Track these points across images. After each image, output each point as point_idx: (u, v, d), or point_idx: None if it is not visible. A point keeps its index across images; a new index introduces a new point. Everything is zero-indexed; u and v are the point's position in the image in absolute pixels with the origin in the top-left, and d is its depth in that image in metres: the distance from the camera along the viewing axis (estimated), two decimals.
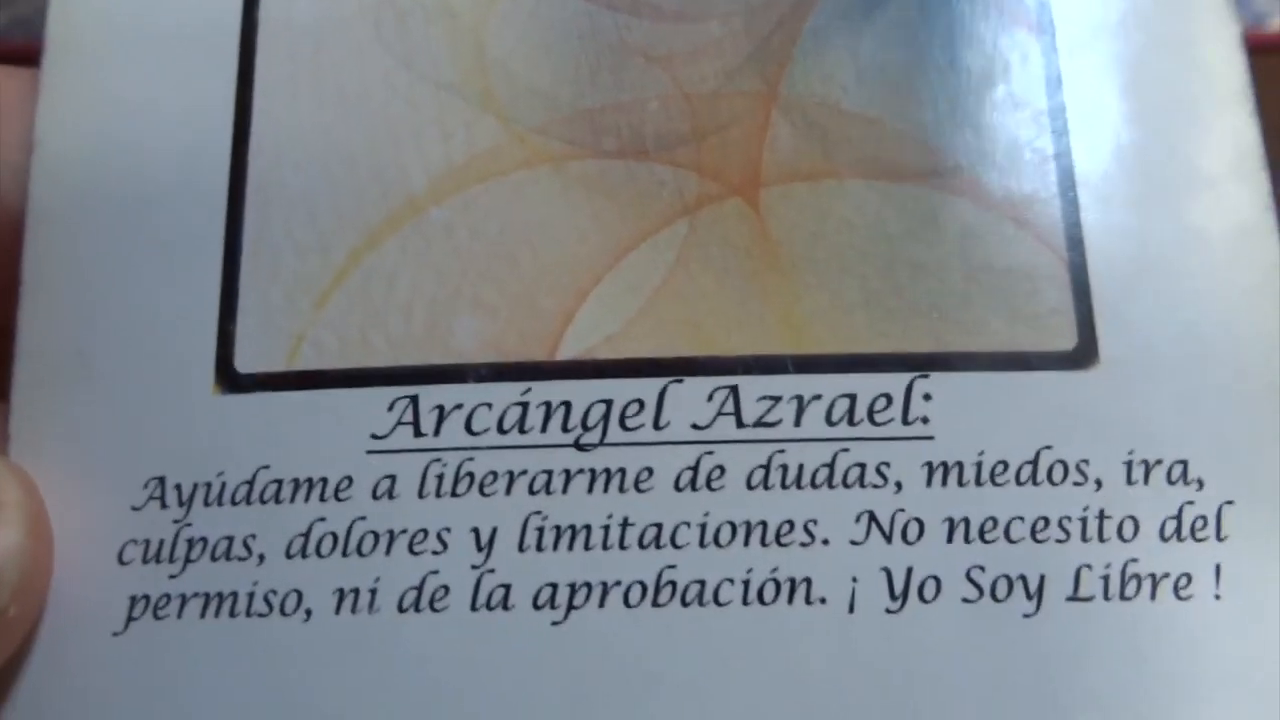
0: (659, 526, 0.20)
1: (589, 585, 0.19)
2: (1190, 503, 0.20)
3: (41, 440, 0.21)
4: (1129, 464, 0.20)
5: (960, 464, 0.20)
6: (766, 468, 0.20)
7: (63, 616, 0.20)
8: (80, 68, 0.22)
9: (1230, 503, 0.20)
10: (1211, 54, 0.21)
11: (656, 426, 0.20)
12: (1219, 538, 0.19)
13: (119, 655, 0.20)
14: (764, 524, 0.19)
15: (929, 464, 0.20)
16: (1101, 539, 0.19)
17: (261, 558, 0.20)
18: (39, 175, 0.22)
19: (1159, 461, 0.20)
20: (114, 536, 0.20)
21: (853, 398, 0.20)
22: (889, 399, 0.20)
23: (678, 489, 0.20)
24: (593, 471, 0.20)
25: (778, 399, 0.20)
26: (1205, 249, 0.21)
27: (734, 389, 0.20)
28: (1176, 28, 0.22)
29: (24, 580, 0.19)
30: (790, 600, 0.19)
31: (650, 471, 0.20)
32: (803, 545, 0.19)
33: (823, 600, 0.19)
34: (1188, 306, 0.20)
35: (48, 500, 0.20)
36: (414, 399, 0.20)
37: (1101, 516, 0.19)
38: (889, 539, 0.19)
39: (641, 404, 0.20)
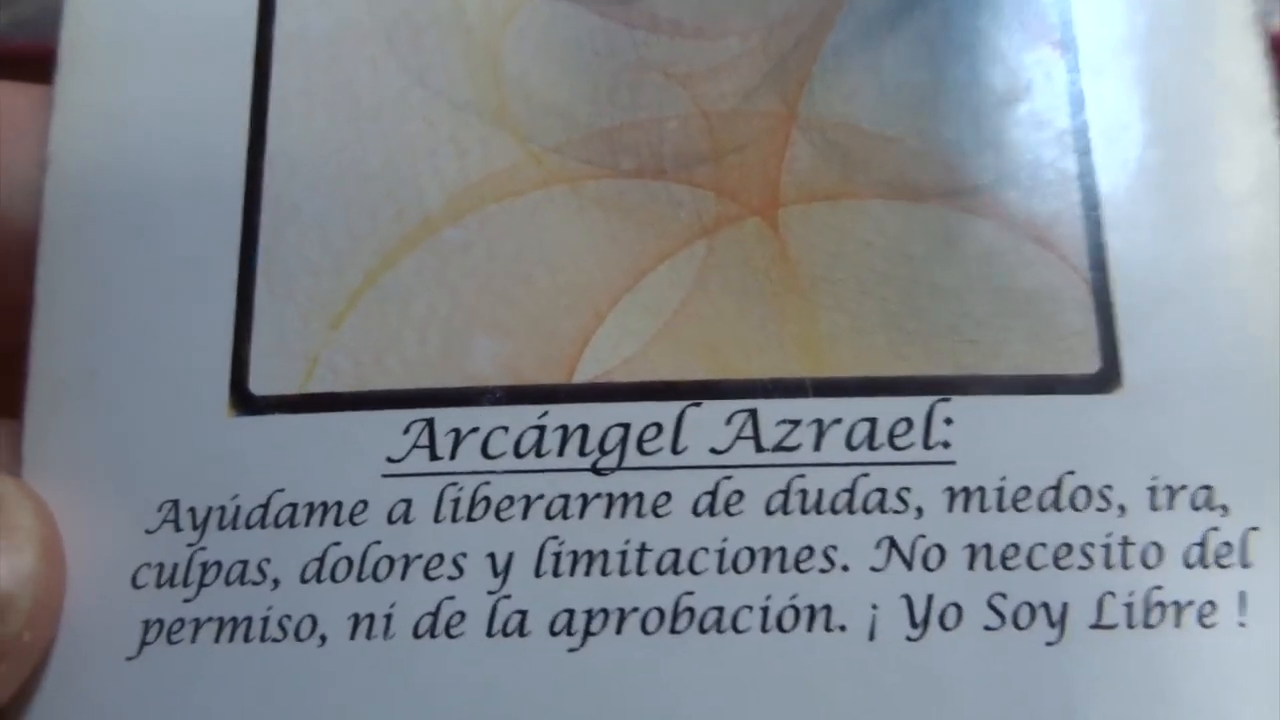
0: (677, 552, 0.19)
1: (606, 611, 0.19)
2: (1215, 529, 0.19)
3: (54, 462, 0.21)
4: (1153, 489, 0.19)
5: (982, 489, 0.19)
6: (786, 493, 0.19)
7: (76, 641, 0.20)
8: (93, 84, 0.22)
9: (1255, 529, 0.19)
10: (1236, 71, 0.21)
11: (674, 450, 0.20)
12: (1244, 565, 0.19)
13: (133, 680, 0.20)
14: (783, 550, 0.19)
15: (950, 489, 0.19)
16: (1125, 566, 0.19)
17: (276, 582, 0.20)
18: (52, 194, 0.22)
19: (1183, 487, 0.19)
20: (128, 560, 0.20)
21: (873, 422, 0.20)
22: (910, 423, 0.20)
23: (696, 514, 0.19)
24: (610, 496, 0.20)
25: (797, 423, 0.20)
26: (1231, 270, 0.20)
27: (753, 412, 0.20)
28: (1200, 45, 0.21)
29: (37, 605, 0.19)
30: (810, 627, 0.19)
31: (668, 496, 0.20)
32: (822, 571, 0.19)
33: (842, 628, 0.19)
34: (1213, 329, 0.20)
35: (61, 523, 0.20)
36: (430, 422, 0.20)
37: (1125, 543, 0.19)
38: (910, 565, 0.19)
39: (659, 427, 0.20)
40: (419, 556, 0.20)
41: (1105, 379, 0.20)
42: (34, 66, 0.23)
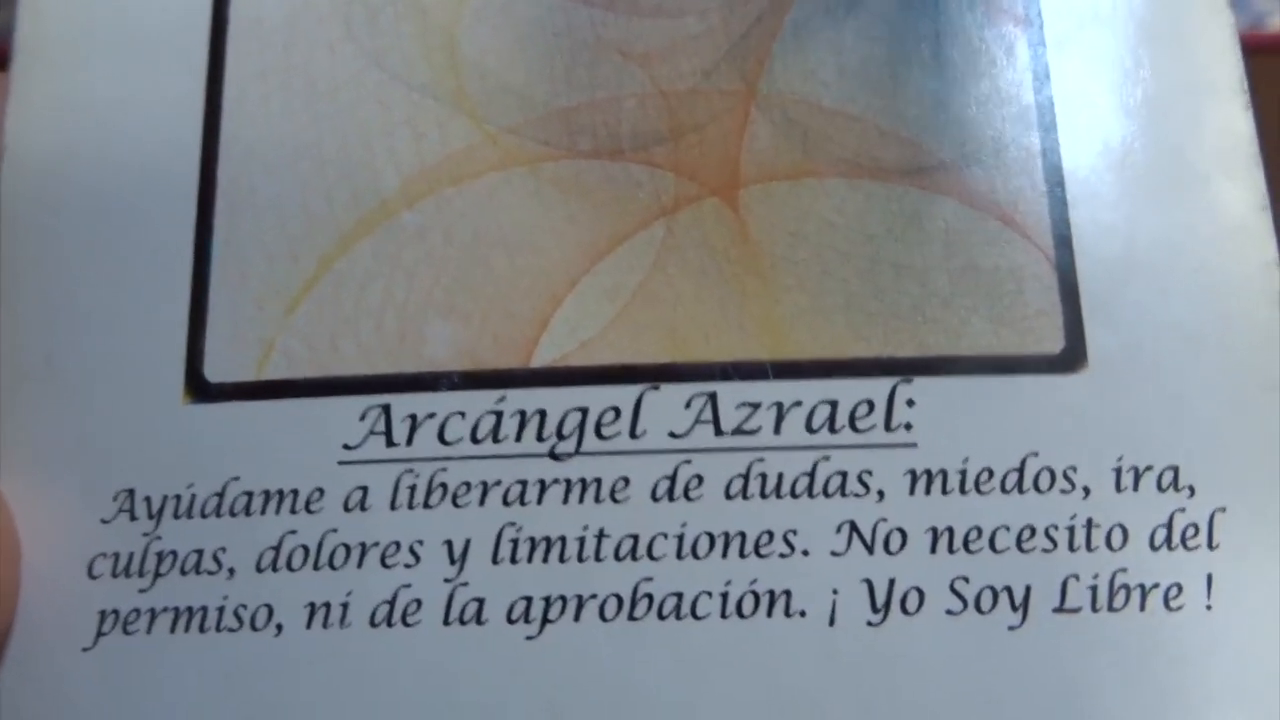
0: (635, 538, 0.19)
1: (564, 598, 0.19)
2: (1181, 510, 0.19)
3: (8, 452, 0.20)
4: (1118, 470, 0.19)
5: (944, 472, 0.19)
6: (745, 477, 0.19)
7: (32, 631, 0.20)
8: (49, 71, 0.22)
9: (1222, 510, 0.19)
10: (1205, 45, 0.21)
11: (633, 435, 0.20)
12: (1210, 546, 0.19)
13: (89, 670, 0.19)
14: (743, 535, 0.19)
15: (912, 472, 0.19)
16: (1089, 548, 0.19)
17: (232, 571, 0.19)
18: (7, 181, 0.22)
19: (1149, 468, 0.19)
20: (83, 550, 0.20)
21: (834, 404, 0.19)
22: (871, 405, 0.19)
23: (655, 499, 0.19)
24: (568, 482, 0.19)
25: (757, 406, 0.20)
26: (1197, 248, 0.20)
27: (712, 396, 0.20)
28: (1168, 18, 0.21)
29: None
30: (769, 613, 0.19)
31: (627, 481, 0.19)
32: (782, 556, 0.19)
33: (803, 613, 0.19)
34: (1179, 307, 0.20)
35: (16, 513, 0.20)
36: (386, 408, 0.20)
37: (1089, 525, 0.19)
38: (871, 550, 0.19)
39: (618, 412, 0.20)
40: (375, 544, 0.19)
41: (1069, 359, 0.20)
42: None
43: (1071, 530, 0.19)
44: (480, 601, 0.19)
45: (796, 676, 0.19)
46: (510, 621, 0.19)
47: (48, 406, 0.20)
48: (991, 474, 0.19)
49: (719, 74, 0.21)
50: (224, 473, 0.20)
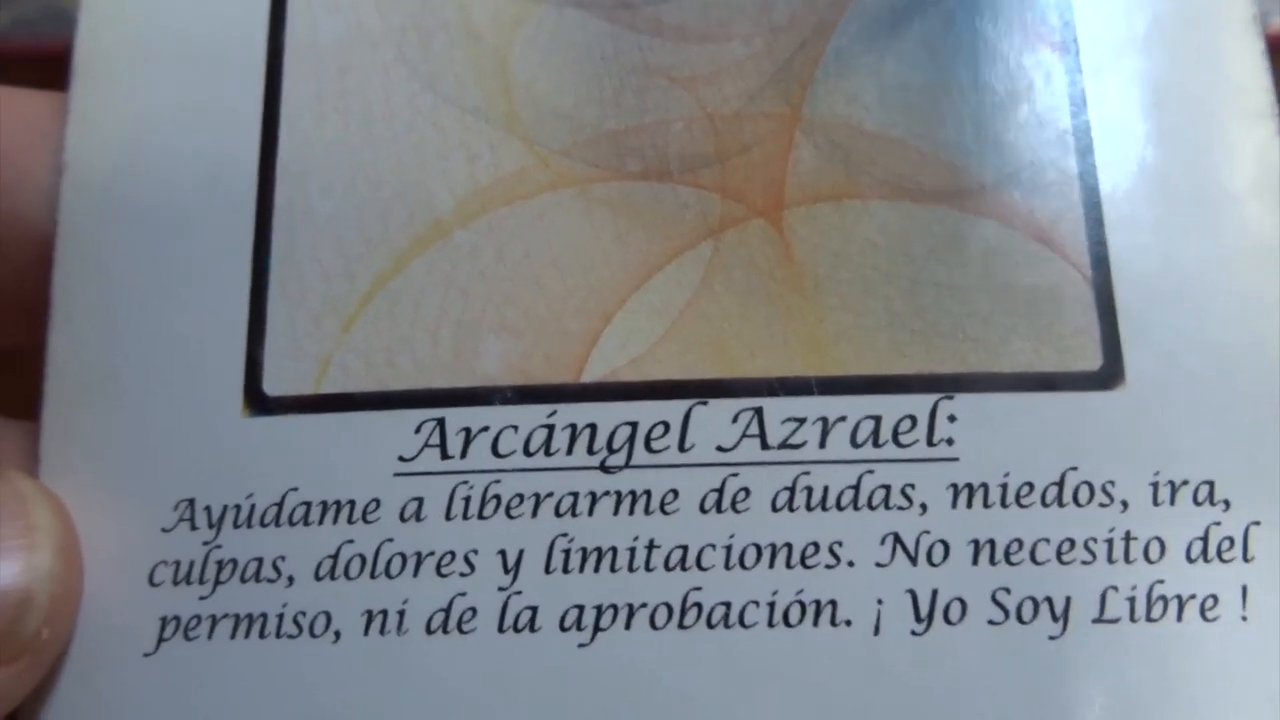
0: (684, 548, 0.20)
1: (615, 607, 0.19)
2: (1217, 524, 0.19)
3: (71, 462, 0.21)
4: (1155, 485, 0.20)
5: (985, 485, 0.20)
6: (791, 490, 0.20)
7: (94, 638, 0.20)
8: (108, 91, 0.23)
9: (1257, 523, 0.19)
10: (1236, 71, 0.21)
11: (682, 448, 0.20)
12: (1245, 559, 0.19)
13: (150, 676, 0.20)
14: (789, 546, 0.20)
15: (954, 485, 0.20)
16: (1128, 560, 0.19)
17: (291, 579, 0.20)
18: (68, 198, 0.22)
19: (1185, 482, 0.20)
20: (145, 558, 0.20)
21: (877, 419, 0.20)
22: (914, 420, 0.20)
23: (703, 511, 0.20)
24: (618, 494, 0.20)
25: (802, 421, 0.20)
26: (1231, 268, 0.20)
27: (759, 411, 0.20)
28: (1201, 45, 0.22)
29: (55, 603, 0.20)
30: (815, 622, 0.19)
31: (675, 493, 0.20)
32: (828, 567, 0.19)
33: (848, 622, 0.19)
34: (1214, 326, 0.20)
35: (78, 522, 0.21)
36: (441, 421, 0.20)
37: (1128, 538, 0.19)
38: (914, 561, 0.19)
39: (666, 426, 0.20)
40: (431, 554, 0.20)
41: (1107, 376, 0.20)
42: (35, 66, 0.23)
43: (1110, 543, 0.19)
44: (534, 610, 0.20)
45: (842, 684, 0.19)
46: (563, 629, 0.19)
47: (108, 419, 0.21)
48: (1032, 488, 0.20)
49: (764, 98, 0.21)
50: (283, 483, 0.20)
